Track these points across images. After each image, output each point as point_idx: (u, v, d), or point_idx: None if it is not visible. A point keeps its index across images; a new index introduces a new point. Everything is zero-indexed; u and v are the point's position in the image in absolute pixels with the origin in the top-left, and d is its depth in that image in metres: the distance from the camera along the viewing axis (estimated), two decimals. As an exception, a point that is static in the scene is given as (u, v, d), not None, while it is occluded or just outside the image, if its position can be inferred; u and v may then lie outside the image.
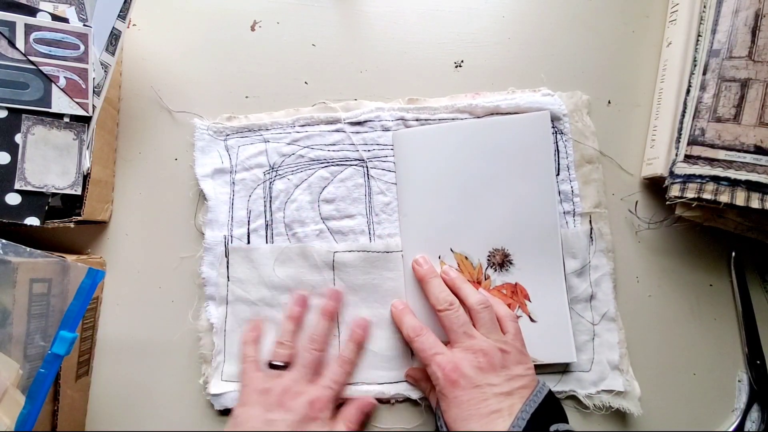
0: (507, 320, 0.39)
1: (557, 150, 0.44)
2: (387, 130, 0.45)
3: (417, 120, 0.45)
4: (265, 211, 0.44)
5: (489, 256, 0.43)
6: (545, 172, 0.43)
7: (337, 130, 0.45)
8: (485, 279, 0.43)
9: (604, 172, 0.45)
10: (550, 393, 0.36)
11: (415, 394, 0.42)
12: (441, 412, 0.37)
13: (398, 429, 0.42)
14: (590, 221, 0.44)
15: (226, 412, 0.43)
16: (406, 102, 0.46)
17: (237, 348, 0.43)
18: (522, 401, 0.35)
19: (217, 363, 0.43)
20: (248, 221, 0.44)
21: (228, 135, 0.45)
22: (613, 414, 0.42)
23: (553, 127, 0.44)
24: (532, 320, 0.42)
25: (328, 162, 0.45)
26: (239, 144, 0.45)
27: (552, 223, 0.43)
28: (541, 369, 0.42)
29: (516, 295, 0.43)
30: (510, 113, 0.44)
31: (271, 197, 0.44)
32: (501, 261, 0.43)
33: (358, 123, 0.45)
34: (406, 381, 0.43)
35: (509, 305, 0.42)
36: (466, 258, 0.43)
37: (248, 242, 0.44)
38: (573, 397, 0.42)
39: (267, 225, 0.44)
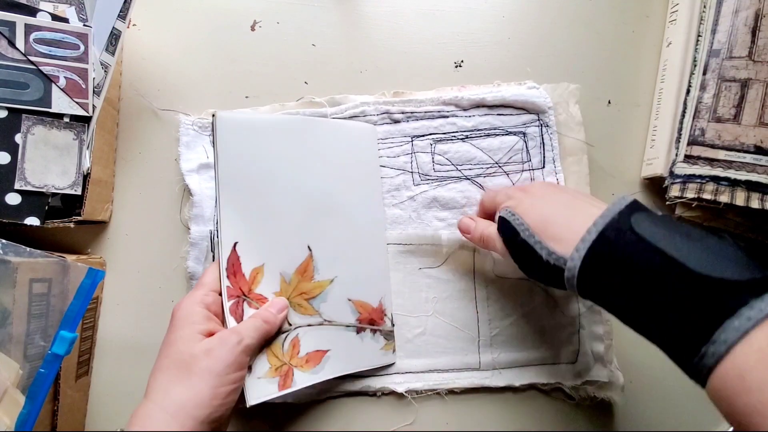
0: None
1: (543, 143, 0.44)
2: (373, 124, 0.45)
3: (402, 113, 0.45)
4: None
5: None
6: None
7: None
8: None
9: (603, 172, 0.45)
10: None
11: (401, 388, 0.42)
12: (519, 217, 0.34)
13: (401, 430, 0.43)
14: None
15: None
16: (392, 95, 0.46)
17: None
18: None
19: None
20: None
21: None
22: (611, 411, 0.42)
23: (538, 120, 0.44)
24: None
25: None
26: None
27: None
28: (532, 362, 0.43)
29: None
30: (496, 105, 0.44)
31: None
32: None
33: (344, 119, 0.45)
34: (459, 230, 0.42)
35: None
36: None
37: None
38: (559, 389, 0.43)
39: None
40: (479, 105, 0.44)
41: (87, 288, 0.37)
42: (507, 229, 0.36)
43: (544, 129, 0.44)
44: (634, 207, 0.30)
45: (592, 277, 0.30)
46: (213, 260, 0.42)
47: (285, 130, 0.41)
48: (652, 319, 0.27)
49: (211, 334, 0.34)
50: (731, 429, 0.42)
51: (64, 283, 0.36)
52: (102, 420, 0.43)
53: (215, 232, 0.41)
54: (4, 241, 0.34)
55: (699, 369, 0.25)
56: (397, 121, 0.45)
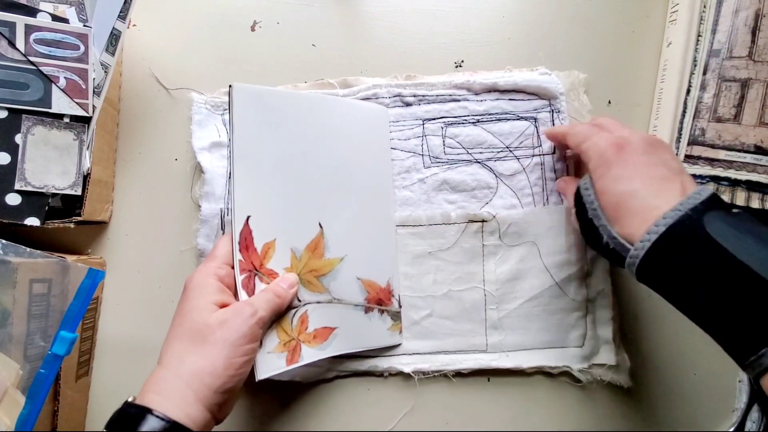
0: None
1: None
2: (385, 107, 0.45)
3: (414, 96, 0.45)
4: None
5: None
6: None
7: None
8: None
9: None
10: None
11: (408, 368, 0.43)
12: (591, 184, 0.34)
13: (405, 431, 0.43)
14: None
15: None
16: (404, 78, 0.46)
17: None
18: (695, 186, 0.31)
19: None
20: None
21: (225, 109, 0.45)
22: (612, 408, 0.42)
23: (549, 106, 0.45)
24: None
25: None
26: None
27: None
28: (540, 345, 0.43)
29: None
30: (508, 90, 0.45)
31: None
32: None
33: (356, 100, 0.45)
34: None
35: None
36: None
37: None
38: (567, 373, 0.43)
39: None
40: (491, 89, 0.45)
41: (87, 288, 0.37)
42: (579, 204, 0.36)
43: (555, 114, 0.45)
44: (710, 203, 0.29)
45: (655, 269, 0.30)
46: None
47: (300, 104, 0.41)
48: (713, 315, 0.28)
49: (223, 306, 0.34)
50: (731, 429, 0.42)
51: (64, 284, 0.36)
52: (102, 420, 0.43)
53: (227, 208, 0.42)
54: (4, 241, 0.34)
55: (755, 366, 0.26)
56: (408, 104, 0.45)
